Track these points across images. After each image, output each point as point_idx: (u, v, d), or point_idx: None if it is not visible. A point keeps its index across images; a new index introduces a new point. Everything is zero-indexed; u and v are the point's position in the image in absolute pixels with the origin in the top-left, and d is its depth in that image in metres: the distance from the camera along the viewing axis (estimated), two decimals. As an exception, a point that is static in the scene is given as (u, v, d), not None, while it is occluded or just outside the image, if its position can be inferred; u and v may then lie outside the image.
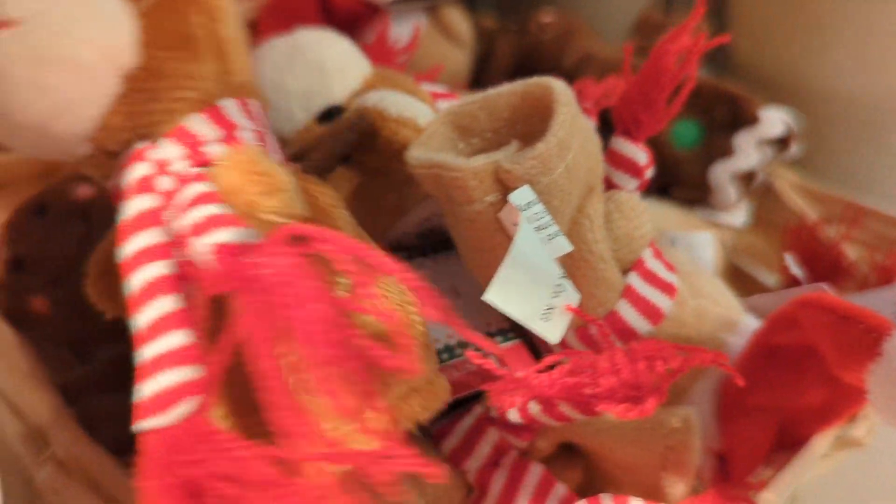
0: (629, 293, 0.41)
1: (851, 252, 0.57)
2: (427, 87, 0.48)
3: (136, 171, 0.32)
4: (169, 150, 0.33)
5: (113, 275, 0.33)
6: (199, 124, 0.34)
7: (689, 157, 0.59)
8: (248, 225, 0.30)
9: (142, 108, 0.33)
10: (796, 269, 0.47)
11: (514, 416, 0.37)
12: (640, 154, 0.42)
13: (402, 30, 0.64)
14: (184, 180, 0.32)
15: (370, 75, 0.46)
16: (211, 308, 0.30)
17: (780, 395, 0.42)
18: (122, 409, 0.46)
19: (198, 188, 0.31)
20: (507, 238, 0.36)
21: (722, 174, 0.57)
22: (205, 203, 0.31)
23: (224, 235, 0.30)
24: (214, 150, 0.33)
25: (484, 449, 0.41)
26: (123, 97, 0.33)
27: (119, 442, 0.46)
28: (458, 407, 0.42)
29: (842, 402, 0.42)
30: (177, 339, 0.30)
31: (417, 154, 0.38)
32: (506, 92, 0.39)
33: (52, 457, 0.42)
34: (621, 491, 0.42)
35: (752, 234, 0.61)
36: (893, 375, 0.35)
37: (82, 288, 0.41)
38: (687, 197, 0.60)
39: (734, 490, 0.41)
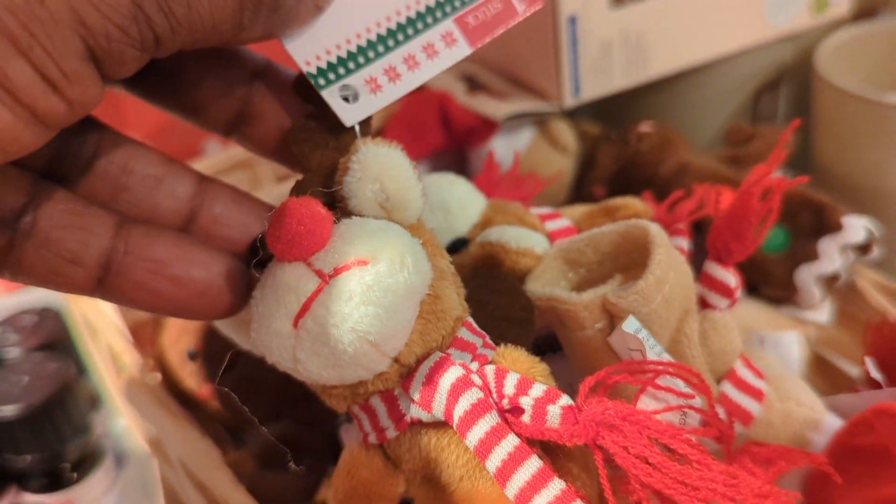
0: (724, 400, 0.47)
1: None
2: (534, 210, 0.55)
3: (452, 374, 0.37)
4: (459, 356, 0.39)
5: None
6: (467, 335, 0.41)
7: (777, 260, 0.64)
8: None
9: (433, 327, 0.39)
10: (876, 374, 0.52)
11: None
12: (730, 278, 0.48)
13: (512, 148, 0.72)
14: (483, 374, 0.38)
15: (487, 209, 0.53)
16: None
17: (862, 489, 0.47)
18: (283, 485, 0.54)
19: (493, 370, 0.38)
20: (616, 358, 0.43)
21: (807, 277, 0.63)
22: (507, 375, 0.38)
23: (563, 400, 0.37)
24: (485, 351, 0.40)
25: None
26: (420, 318, 0.38)
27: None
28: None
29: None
30: (554, 487, 0.34)
31: (534, 288, 0.45)
32: (609, 231, 0.45)
33: None
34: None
35: (837, 329, 0.66)
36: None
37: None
38: (774, 296, 0.66)
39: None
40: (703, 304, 0.48)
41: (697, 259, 0.50)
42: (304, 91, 0.41)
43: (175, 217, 0.40)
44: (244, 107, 0.42)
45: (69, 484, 0.65)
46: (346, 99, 0.40)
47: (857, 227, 0.62)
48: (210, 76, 0.41)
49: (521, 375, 0.38)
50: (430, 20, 0.41)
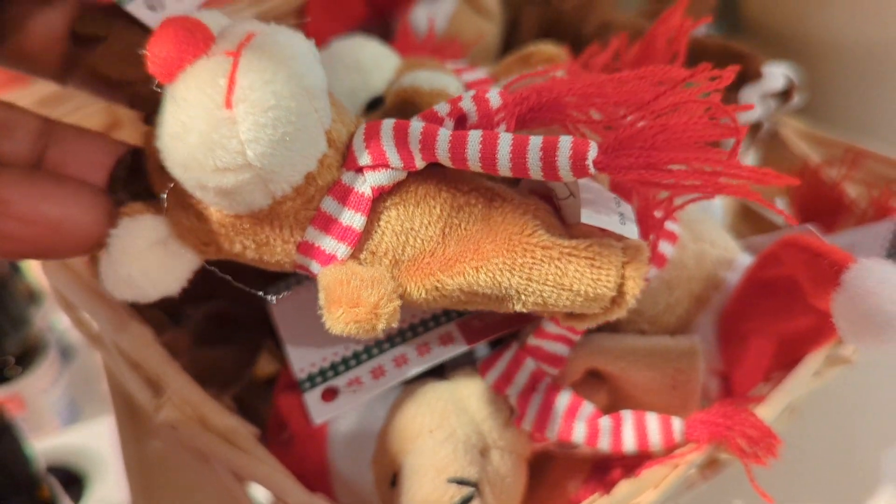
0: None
1: (851, 191, 0.63)
2: (450, 65, 0.55)
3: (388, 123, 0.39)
4: None
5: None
6: None
7: (700, 112, 0.64)
8: None
9: None
10: (787, 212, 0.53)
11: None
12: (639, 125, 0.48)
13: (436, 16, 0.71)
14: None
15: (401, 65, 0.53)
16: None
17: (772, 321, 0.48)
18: (220, 359, 0.55)
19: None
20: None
21: (729, 127, 0.63)
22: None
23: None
24: None
25: (522, 377, 0.48)
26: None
27: (220, 387, 0.54)
28: (497, 344, 0.50)
29: (828, 325, 0.48)
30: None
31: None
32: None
33: (168, 400, 0.49)
34: (640, 408, 0.50)
35: (763, 178, 0.67)
36: (850, 303, 0.41)
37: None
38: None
39: (736, 403, 0.48)
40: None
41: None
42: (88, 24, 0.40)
43: (19, 161, 0.38)
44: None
45: (14, 377, 0.66)
46: (152, 8, 0.40)
47: (776, 74, 0.62)
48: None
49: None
50: None
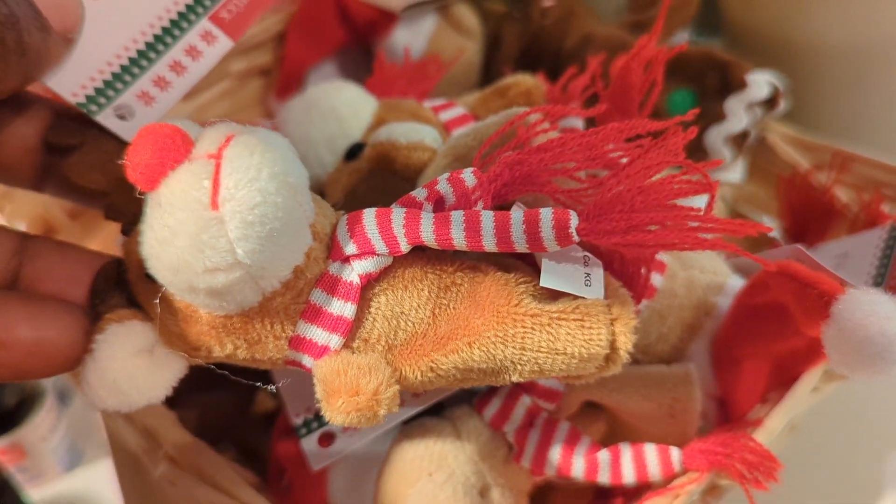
0: (625, 275, 0.47)
1: (842, 195, 0.63)
2: (428, 103, 0.55)
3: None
4: None
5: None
6: None
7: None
8: None
9: None
10: (774, 231, 0.53)
11: None
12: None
13: (416, 37, 0.70)
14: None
15: (379, 109, 0.53)
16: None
17: (765, 344, 0.48)
18: (216, 405, 0.55)
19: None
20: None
21: (716, 138, 0.63)
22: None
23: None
24: None
25: (519, 413, 0.48)
26: None
27: (219, 432, 0.54)
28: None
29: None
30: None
31: (427, 187, 0.45)
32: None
33: (165, 455, 0.49)
34: (639, 439, 0.50)
35: (752, 185, 0.67)
36: (840, 335, 0.41)
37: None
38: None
39: (734, 427, 0.48)
40: (598, 183, 0.48)
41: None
42: (60, 134, 0.40)
43: None
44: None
45: (13, 426, 0.66)
46: (122, 117, 0.42)
47: (760, 82, 0.62)
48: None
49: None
50: (185, 25, 0.42)
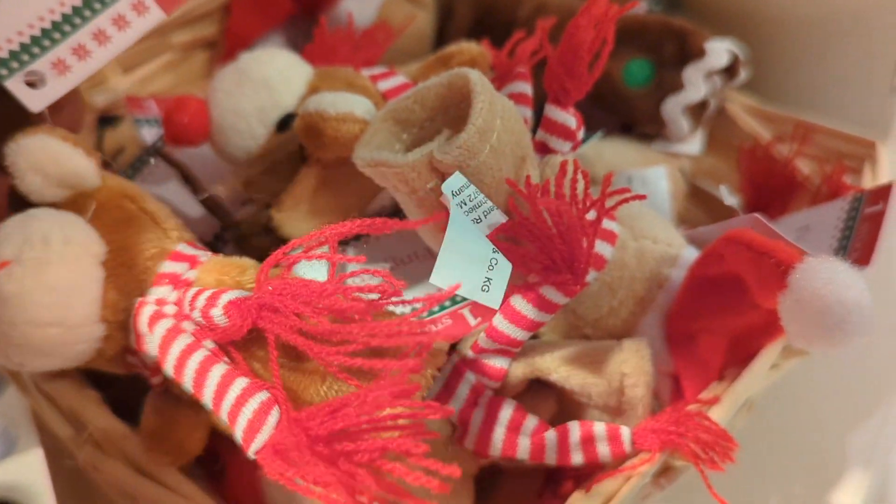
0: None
1: (804, 167, 0.61)
2: (367, 72, 0.52)
3: (145, 313, 0.41)
4: (159, 291, 0.43)
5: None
6: (170, 266, 0.44)
7: (642, 94, 0.62)
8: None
9: (126, 277, 0.43)
10: (731, 200, 0.51)
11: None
12: (570, 119, 0.45)
13: (366, 5, 0.68)
14: (180, 300, 0.41)
15: (313, 78, 0.50)
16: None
17: (720, 318, 0.46)
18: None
19: (192, 292, 0.41)
20: (451, 216, 0.41)
21: (674, 108, 0.60)
22: (201, 293, 0.40)
23: (225, 298, 0.39)
24: (190, 274, 0.43)
25: (463, 392, 0.45)
26: (109, 277, 0.42)
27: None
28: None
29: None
30: (239, 384, 0.37)
31: (362, 154, 0.42)
32: (434, 84, 0.43)
33: (89, 438, 0.47)
34: (590, 417, 0.48)
35: (712, 157, 0.64)
36: (796, 305, 0.39)
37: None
38: (645, 132, 0.64)
39: (689, 406, 0.45)
40: (545, 149, 0.46)
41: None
42: None
43: None
44: None
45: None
46: (31, 85, 0.41)
47: (720, 51, 0.60)
48: None
49: (214, 290, 0.40)
50: None
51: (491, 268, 0.40)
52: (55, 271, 0.40)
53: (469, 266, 0.39)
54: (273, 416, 0.36)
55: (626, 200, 0.42)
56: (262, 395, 0.37)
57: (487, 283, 0.40)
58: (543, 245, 0.41)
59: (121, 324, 0.43)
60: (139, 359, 0.44)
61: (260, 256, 0.54)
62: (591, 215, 0.42)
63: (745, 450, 0.43)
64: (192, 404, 0.43)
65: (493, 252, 0.40)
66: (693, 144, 0.63)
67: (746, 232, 0.42)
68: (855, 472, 0.61)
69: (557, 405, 0.49)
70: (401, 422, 0.34)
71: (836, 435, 0.62)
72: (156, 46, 0.71)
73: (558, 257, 0.41)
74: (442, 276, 0.39)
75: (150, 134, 0.59)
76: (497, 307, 0.40)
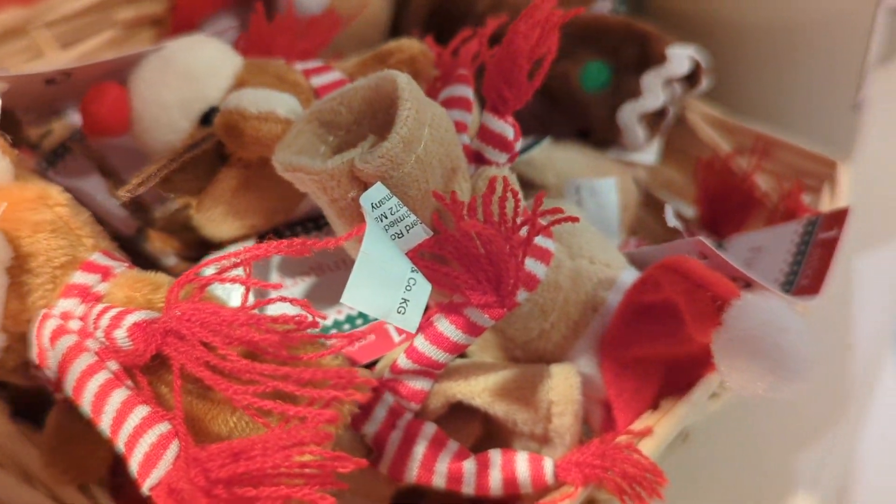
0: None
1: (763, 182, 0.59)
2: (300, 66, 0.49)
3: (48, 327, 0.39)
4: (66, 304, 0.40)
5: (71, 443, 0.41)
6: (81, 277, 0.41)
7: (598, 99, 0.59)
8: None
9: (31, 286, 0.40)
10: (674, 222, 0.48)
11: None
12: (507, 129, 0.42)
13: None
14: (86, 315, 0.39)
15: (241, 70, 0.47)
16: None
17: (656, 346, 0.44)
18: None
19: (98, 309, 0.38)
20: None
21: (630, 115, 0.58)
22: (107, 311, 0.38)
23: (131, 319, 0.36)
24: (101, 287, 0.40)
25: (380, 413, 0.43)
26: (13, 285, 0.39)
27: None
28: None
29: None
30: (139, 413, 0.35)
31: (281, 157, 0.39)
32: (361, 86, 0.40)
33: None
34: (516, 443, 0.45)
35: (669, 167, 0.62)
36: (730, 344, 0.37)
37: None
38: (603, 139, 0.61)
39: (618, 438, 0.43)
40: (480, 159, 0.43)
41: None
42: None
43: None
44: None
45: None
46: None
47: (681, 57, 0.57)
48: None
49: (120, 309, 0.37)
50: None
51: (409, 288, 0.37)
52: None
53: (384, 285, 0.37)
54: (171, 452, 0.34)
55: (558, 221, 0.40)
56: (162, 427, 0.34)
57: (404, 305, 0.37)
58: (469, 264, 0.39)
59: (22, 335, 0.40)
60: (41, 373, 0.41)
61: (186, 244, 0.51)
62: (523, 232, 0.40)
63: (679, 483, 0.41)
64: None
65: (412, 271, 0.38)
66: (649, 154, 0.60)
67: (685, 260, 0.40)
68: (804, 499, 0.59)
69: (483, 428, 0.46)
70: (308, 471, 0.32)
71: (780, 460, 0.60)
72: (97, 22, 0.68)
73: (484, 278, 0.39)
74: (354, 296, 0.36)
75: (78, 118, 0.56)
76: (413, 331, 0.37)
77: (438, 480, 0.42)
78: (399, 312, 0.37)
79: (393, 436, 0.43)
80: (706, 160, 0.60)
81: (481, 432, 0.46)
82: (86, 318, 0.39)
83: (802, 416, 0.62)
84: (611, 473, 0.41)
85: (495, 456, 0.42)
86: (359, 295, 0.36)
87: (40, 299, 0.40)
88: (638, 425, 0.44)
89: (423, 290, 0.38)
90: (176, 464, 0.33)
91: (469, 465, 0.42)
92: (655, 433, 0.43)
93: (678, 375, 0.45)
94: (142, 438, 0.34)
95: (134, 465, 0.34)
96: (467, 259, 0.39)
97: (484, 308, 0.40)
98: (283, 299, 0.36)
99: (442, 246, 0.39)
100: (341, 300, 0.36)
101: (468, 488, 0.42)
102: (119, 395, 0.36)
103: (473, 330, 0.40)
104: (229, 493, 0.31)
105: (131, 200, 0.47)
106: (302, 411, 0.33)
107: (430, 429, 0.43)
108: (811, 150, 0.57)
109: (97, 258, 0.42)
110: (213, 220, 0.47)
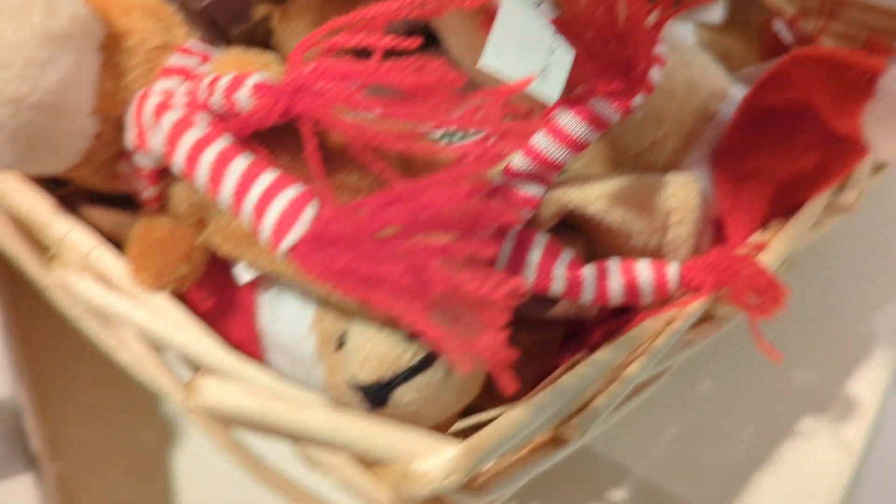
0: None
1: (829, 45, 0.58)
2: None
3: (149, 104, 0.36)
4: (167, 83, 0.37)
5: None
6: (179, 60, 0.38)
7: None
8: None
9: (126, 66, 0.37)
10: (786, 34, 0.47)
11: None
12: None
13: None
14: (193, 91, 0.35)
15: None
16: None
17: (773, 158, 0.42)
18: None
19: (209, 78, 0.34)
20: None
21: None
22: (221, 76, 0.34)
23: (253, 79, 0.33)
24: (203, 68, 0.38)
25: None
26: (107, 65, 0.37)
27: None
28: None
29: (834, 163, 0.43)
30: (267, 176, 0.32)
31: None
32: None
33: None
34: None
35: (729, 36, 0.61)
36: (889, 111, 0.36)
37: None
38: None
39: (733, 251, 0.42)
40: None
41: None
42: None
43: None
44: None
45: None
46: None
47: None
48: None
49: (235, 74, 0.34)
50: None
51: (551, 53, 0.35)
52: (41, 48, 0.34)
53: (526, 49, 0.34)
54: (309, 211, 0.31)
55: (694, 3, 0.38)
56: (296, 188, 0.31)
57: (546, 72, 0.35)
58: (596, 45, 0.37)
59: (116, 121, 0.37)
60: (132, 167, 0.38)
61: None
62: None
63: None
64: (191, 225, 0.38)
65: (553, 37, 0.35)
66: (713, 12, 0.59)
67: (819, 48, 0.39)
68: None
69: (585, 251, 0.44)
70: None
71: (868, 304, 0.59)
72: None
73: (613, 60, 0.37)
74: (495, 59, 0.34)
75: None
76: (555, 99, 0.35)
77: (557, 286, 0.39)
78: (540, 80, 0.34)
79: (504, 246, 0.40)
80: (770, 23, 0.58)
81: (583, 255, 0.44)
82: (193, 93, 0.35)
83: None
84: (737, 281, 0.39)
85: (614, 261, 0.40)
86: (501, 57, 0.34)
87: (138, 79, 0.37)
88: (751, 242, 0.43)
89: (565, 57, 0.35)
90: (317, 220, 0.31)
91: (589, 271, 0.40)
92: (771, 249, 0.42)
93: (786, 196, 0.44)
94: (274, 199, 0.31)
95: (266, 228, 0.31)
96: (594, 39, 0.37)
97: (611, 96, 0.38)
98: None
99: (568, 25, 0.37)
100: (482, 61, 0.34)
101: (587, 295, 0.40)
102: (242, 161, 0.33)
103: (598, 123, 0.38)
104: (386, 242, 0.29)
105: (206, 19, 0.44)
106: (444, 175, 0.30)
107: (543, 237, 0.40)
108: (884, 3, 0.56)
109: (193, 44, 0.39)
110: (299, 33, 0.44)
